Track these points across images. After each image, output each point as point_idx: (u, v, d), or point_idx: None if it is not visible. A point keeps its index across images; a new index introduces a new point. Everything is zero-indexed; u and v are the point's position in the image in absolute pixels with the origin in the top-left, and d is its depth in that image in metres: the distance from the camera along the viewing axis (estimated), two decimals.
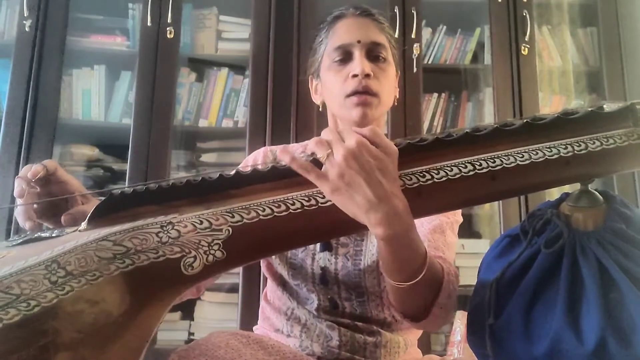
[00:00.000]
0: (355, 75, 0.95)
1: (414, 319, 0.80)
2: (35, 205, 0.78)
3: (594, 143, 0.67)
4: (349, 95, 0.96)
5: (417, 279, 0.71)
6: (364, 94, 0.95)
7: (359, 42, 0.97)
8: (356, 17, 1.00)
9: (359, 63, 0.95)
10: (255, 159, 1.11)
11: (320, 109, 1.07)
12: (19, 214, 0.77)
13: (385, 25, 1.03)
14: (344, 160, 0.62)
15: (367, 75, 0.95)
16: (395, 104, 1.06)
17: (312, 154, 0.66)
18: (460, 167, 0.66)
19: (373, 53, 0.98)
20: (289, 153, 0.65)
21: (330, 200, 0.65)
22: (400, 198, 0.64)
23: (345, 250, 0.98)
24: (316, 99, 1.07)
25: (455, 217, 1.02)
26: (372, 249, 0.97)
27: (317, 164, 0.65)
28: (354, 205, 0.63)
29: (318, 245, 0.97)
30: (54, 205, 0.78)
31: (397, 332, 1.01)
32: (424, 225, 0.95)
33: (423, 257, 0.72)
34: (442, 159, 0.67)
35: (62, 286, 0.55)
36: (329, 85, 1.00)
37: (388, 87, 1.00)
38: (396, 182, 0.64)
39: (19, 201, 0.77)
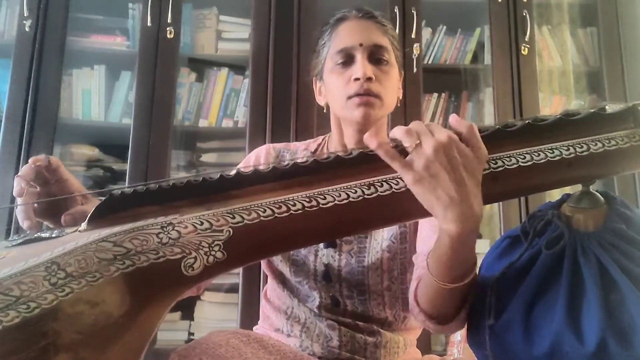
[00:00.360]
0: (357, 79, 0.95)
1: (438, 322, 0.79)
2: (35, 205, 0.78)
3: (596, 144, 0.67)
4: (350, 97, 0.96)
5: (464, 282, 0.71)
6: (366, 95, 0.95)
7: (361, 45, 0.97)
8: (358, 20, 1.01)
9: (361, 66, 0.95)
10: (257, 157, 1.11)
11: (324, 110, 1.08)
12: (18, 212, 0.77)
13: (388, 27, 1.03)
14: (434, 152, 0.61)
15: (369, 79, 0.95)
16: (399, 105, 1.06)
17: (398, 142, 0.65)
18: None
19: (375, 56, 0.98)
20: (377, 139, 0.64)
21: (332, 202, 0.65)
22: (479, 200, 0.63)
23: (349, 247, 0.98)
24: (320, 101, 1.08)
25: None
26: (376, 246, 0.98)
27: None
28: (435, 198, 0.62)
29: None
30: (54, 204, 0.78)
31: (397, 332, 1.01)
32: (426, 228, 0.94)
33: (474, 261, 0.72)
34: None
35: (62, 288, 0.55)
36: (332, 88, 1.00)
37: (390, 90, 1.00)
38: (479, 183, 0.63)
39: (18, 200, 0.77)
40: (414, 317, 0.84)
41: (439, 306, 0.77)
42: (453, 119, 0.66)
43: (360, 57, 0.96)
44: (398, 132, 0.64)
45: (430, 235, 0.93)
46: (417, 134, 0.63)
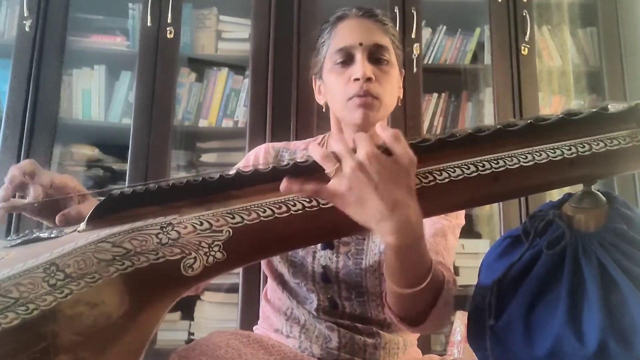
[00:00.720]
0: (356, 79, 0.94)
1: (410, 324, 0.80)
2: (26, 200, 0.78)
3: (598, 144, 0.67)
4: (350, 98, 0.95)
5: (420, 287, 0.71)
6: (365, 96, 0.94)
7: (360, 44, 0.96)
8: (359, 18, 1.00)
9: (361, 67, 0.94)
10: (256, 156, 1.11)
11: (323, 109, 1.07)
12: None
13: (389, 25, 1.02)
14: (353, 174, 0.61)
15: (369, 79, 0.94)
16: (399, 104, 1.05)
17: (310, 159, 0.65)
18: (462, 168, 0.65)
19: (375, 55, 0.97)
20: (296, 184, 0.63)
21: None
22: (413, 208, 0.63)
23: (346, 248, 0.98)
24: (319, 100, 1.07)
25: (458, 220, 1.01)
26: (374, 248, 0.97)
27: (317, 170, 0.64)
28: (366, 216, 0.62)
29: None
30: (51, 203, 0.78)
31: (397, 333, 1.01)
32: (426, 228, 0.95)
33: (428, 266, 0.72)
34: (444, 159, 0.66)
35: (61, 289, 0.55)
36: (331, 88, 0.99)
37: (390, 90, 0.99)
38: (410, 191, 0.63)
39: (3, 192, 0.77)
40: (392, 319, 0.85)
41: (405, 309, 0.78)
42: (378, 129, 0.65)
43: (360, 57, 0.95)
44: (317, 156, 0.64)
45: (426, 237, 0.93)
46: (337, 155, 0.63)
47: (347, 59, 0.97)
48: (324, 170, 0.63)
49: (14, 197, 0.78)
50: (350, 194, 0.61)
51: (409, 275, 0.71)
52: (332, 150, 0.64)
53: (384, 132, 0.64)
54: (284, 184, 0.63)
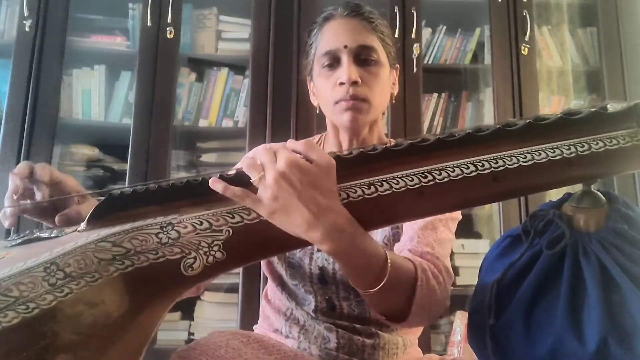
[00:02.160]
0: (342, 83, 0.93)
1: (395, 320, 0.79)
2: (28, 201, 0.78)
3: (597, 144, 0.66)
4: (337, 102, 0.95)
5: (381, 285, 0.70)
6: (352, 100, 0.93)
7: (345, 47, 0.94)
8: (344, 18, 0.97)
9: (346, 70, 0.93)
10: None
11: (317, 111, 1.06)
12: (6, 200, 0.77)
13: (377, 22, 0.99)
14: (275, 183, 0.61)
15: (355, 83, 0.93)
16: (394, 101, 1.05)
17: (237, 171, 0.65)
18: (462, 168, 0.65)
19: (362, 57, 0.95)
20: (221, 183, 0.63)
21: None
22: (337, 211, 0.63)
23: None
24: (313, 101, 1.06)
25: (452, 214, 1.01)
26: None
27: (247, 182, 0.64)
28: (293, 226, 0.62)
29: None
30: (51, 205, 0.78)
31: (396, 333, 1.01)
32: (415, 222, 0.94)
33: (382, 263, 0.71)
34: (444, 159, 0.66)
35: (61, 288, 0.55)
36: (320, 90, 0.99)
37: (380, 90, 0.97)
38: (332, 195, 0.63)
39: (7, 202, 0.77)
40: None
41: (381, 307, 0.78)
42: (288, 142, 0.66)
43: (345, 60, 0.94)
44: (244, 165, 0.64)
45: (415, 230, 0.92)
46: (262, 164, 0.63)
47: (334, 62, 0.96)
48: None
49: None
50: (275, 203, 0.61)
51: (363, 276, 0.70)
52: (256, 161, 0.64)
53: (296, 144, 0.64)
54: (211, 181, 0.63)
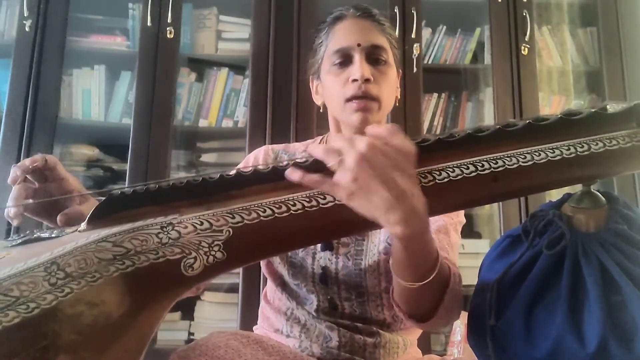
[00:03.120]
0: (354, 80, 0.94)
1: (418, 320, 0.80)
2: (29, 200, 0.77)
3: (597, 144, 0.67)
4: (348, 100, 0.95)
5: (428, 280, 0.71)
6: (364, 98, 0.94)
7: (359, 45, 0.96)
8: (356, 19, 0.99)
9: (359, 68, 0.94)
10: (256, 158, 1.11)
11: (321, 110, 1.07)
12: (9, 200, 0.77)
13: (386, 25, 1.01)
14: (357, 164, 0.60)
15: (367, 80, 0.94)
16: (397, 104, 1.05)
17: (309, 159, 0.65)
18: (462, 168, 0.65)
19: (373, 56, 0.97)
20: (298, 172, 0.64)
21: (332, 202, 0.65)
22: (418, 197, 0.62)
23: (346, 249, 0.98)
24: (317, 100, 1.07)
25: (459, 217, 1.02)
26: (373, 248, 0.97)
27: (319, 168, 0.64)
28: (372, 207, 0.62)
29: (319, 244, 0.97)
30: (52, 203, 0.78)
31: (397, 333, 1.01)
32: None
33: (435, 258, 0.72)
34: (443, 160, 0.66)
35: (61, 288, 0.55)
36: (329, 88, 0.99)
37: (388, 90, 0.99)
38: (413, 179, 0.63)
39: (14, 196, 0.76)
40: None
41: (413, 305, 0.78)
42: (368, 129, 0.65)
43: (358, 58, 0.95)
44: (318, 153, 0.64)
45: None
46: (339, 150, 0.63)
47: (345, 60, 0.97)
48: (323, 170, 0.63)
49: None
50: (355, 185, 0.61)
51: (417, 268, 0.70)
52: (332, 146, 0.64)
53: (379, 129, 0.64)
54: (288, 171, 0.63)
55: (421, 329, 1.00)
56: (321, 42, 1.02)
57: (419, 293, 0.74)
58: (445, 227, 0.96)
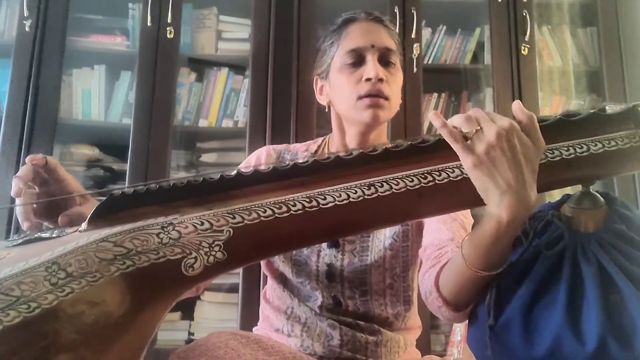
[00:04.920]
0: (368, 79, 0.96)
1: (456, 309, 0.78)
2: (34, 206, 0.78)
3: (596, 145, 0.67)
4: (361, 97, 0.97)
5: (499, 270, 0.70)
6: (376, 96, 0.96)
7: (373, 46, 0.98)
8: (368, 22, 1.02)
9: (373, 67, 0.96)
10: (257, 158, 1.11)
11: (326, 109, 1.08)
12: (18, 214, 0.77)
13: (394, 32, 1.04)
14: (496, 137, 0.62)
15: (380, 80, 0.96)
16: (399, 107, 1.07)
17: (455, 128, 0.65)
18: (462, 169, 0.66)
19: (385, 58, 0.99)
20: (440, 117, 0.65)
21: (332, 202, 0.65)
22: (534, 191, 0.64)
23: (351, 246, 0.99)
24: (321, 100, 1.08)
25: (468, 219, 1.02)
26: (378, 244, 0.98)
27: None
28: (492, 183, 0.63)
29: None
30: (52, 204, 0.78)
31: (398, 332, 1.02)
32: (447, 222, 0.95)
33: (509, 253, 0.71)
34: (444, 160, 0.67)
35: (62, 288, 0.55)
36: (340, 87, 1.00)
37: (397, 92, 1.01)
38: (535, 174, 0.64)
39: (18, 201, 0.77)
40: (428, 303, 0.83)
41: (462, 293, 0.76)
42: (516, 105, 0.66)
43: (371, 58, 0.97)
44: (457, 119, 0.65)
45: (440, 227, 0.93)
46: (477, 120, 0.64)
47: (358, 60, 0.99)
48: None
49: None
50: (484, 156, 0.62)
51: (495, 256, 0.69)
52: (472, 115, 0.65)
53: (522, 112, 0.65)
54: (433, 114, 0.65)
55: (448, 320, 0.98)
56: (332, 42, 1.03)
57: (478, 281, 0.72)
58: (463, 225, 0.96)
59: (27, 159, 0.77)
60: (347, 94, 0.98)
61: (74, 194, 0.79)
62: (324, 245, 0.99)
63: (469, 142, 0.63)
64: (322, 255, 0.99)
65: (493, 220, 0.65)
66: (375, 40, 0.99)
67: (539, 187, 0.65)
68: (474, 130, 0.63)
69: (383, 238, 0.98)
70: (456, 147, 0.64)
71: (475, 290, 0.74)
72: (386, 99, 0.97)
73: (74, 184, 0.81)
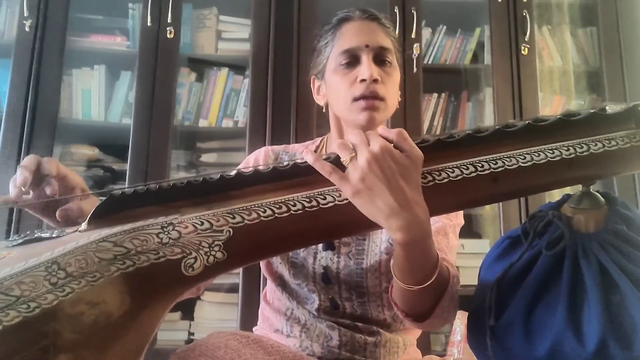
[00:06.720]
0: (363, 80, 0.95)
1: (415, 319, 0.81)
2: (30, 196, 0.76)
3: (596, 145, 0.67)
4: (356, 99, 0.96)
5: (428, 283, 0.72)
6: (372, 98, 0.95)
7: (367, 46, 0.97)
8: (363, 21, 1.00)
9: (368, 68, 0.95)
10: (256, 159, 1.11)
11: (323, 110, 1.07)
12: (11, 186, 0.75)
13: (391, 29, 1.03)
14: (367, 165, 0.62)
15: (375, 80, 0.95)
16: (398, 107, 1.06)
17: (332, 155, 0.66)
18: (462, 169, 0.66)
19: (380, 57, 0.98)
20: (313, 153, 0.66)
21: (332, 202, 0.65)
22: (421, 205, 0.64)
23: (347, 249, 0.98)
24: (319, 100, 1.07)
25: (457, 219, 1.02)
26: (374, 248, 0.97)
27: (338, 165, 0.65)
28: (375, 209, 0.63)
29: (320, 244, 0.97)
30: (54, 201, 0.78)
31: (397, 332, 1.02)
32: None
33: (435, 262, 0.72)
34: (443, 160, 0.67)
35: (62, 288, 0.55)
36: (335, 88, 1.00)
37: (393, 92, 1.00)
38: (418, 188, 0.64)
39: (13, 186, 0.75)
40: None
41: (411, 306, 0.79)
42: (380, 129, 0.67)
43: (366, 59, 0.96)
44: (335, 145, 0.66)
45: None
46: (353, 146, 0.64)
47: (353, 60, 0.97)
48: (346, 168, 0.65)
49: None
50: (361, 184, 0.63)
51: (417, 272, 0.71)
52: (348, 141, 0.65)
53: (389, 132, 0.65)
54: (305, 151, 0.66)
55: (418, 329, 1.01)
56: (327, 42, 1.02)
57: (417, 295, 0.74)
58: (444, 228, 0.96)
59: (28, 163, 0.75)
60: (343, 95, 0.98)
61: (76, 188, 0.78)
62: (320, 247, 0.98)
63: (346, 170, 0.64)
64: (319, 257, 0.98)
65: (395, 243, 0.67)
66: (370, 40, 0.97)
67: (541, 187, 0.65)
68: (349, 159, 0.64)
69: (379, 242, 0.98)
70: (332, 179, 0.64)
71: (421, 302, 0.77)
72: (381, 99, 0.96)
73: (75, 178, 0.79)
